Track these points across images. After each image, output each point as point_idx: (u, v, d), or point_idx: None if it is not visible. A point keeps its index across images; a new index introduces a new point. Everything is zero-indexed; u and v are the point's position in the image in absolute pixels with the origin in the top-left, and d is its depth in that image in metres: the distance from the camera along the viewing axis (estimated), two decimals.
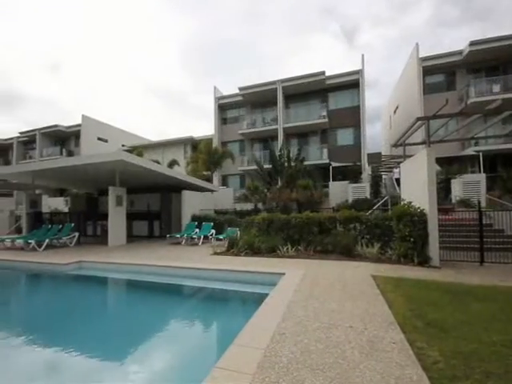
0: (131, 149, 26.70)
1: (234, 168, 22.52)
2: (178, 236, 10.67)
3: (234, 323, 4.20)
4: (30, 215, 12.84)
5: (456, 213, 8.57)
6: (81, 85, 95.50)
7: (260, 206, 15.33)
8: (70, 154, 29.04)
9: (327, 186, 17.48)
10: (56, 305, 5.44)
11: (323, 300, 3.81)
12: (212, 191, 15.61)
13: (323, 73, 20.38)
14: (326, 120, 20.33)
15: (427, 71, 18.09)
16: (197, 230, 11.00)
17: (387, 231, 6.91)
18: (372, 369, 2.16)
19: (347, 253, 6.93)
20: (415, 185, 6.63)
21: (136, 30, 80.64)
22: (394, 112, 24.08)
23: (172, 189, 13.15)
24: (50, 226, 11.74)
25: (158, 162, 16.39)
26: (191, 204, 12.78)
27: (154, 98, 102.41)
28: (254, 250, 7.71)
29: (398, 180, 10.59)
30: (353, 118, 20.35)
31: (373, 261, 6.35)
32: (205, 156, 20.02)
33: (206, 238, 10.73)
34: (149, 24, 77.72)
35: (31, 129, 30.74)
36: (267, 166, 17.98)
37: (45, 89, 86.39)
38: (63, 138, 31.40)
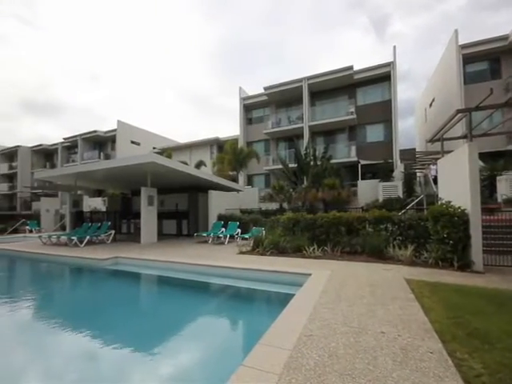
0: (161, 151, 28.00)
1: (259, 168, 22.60)
2: (205, 235, 10.95)
3: (259, 322, 4.21)
4: (72, 214, 14.01)
5: (502, 213, 7.77)
6: (116, 91, 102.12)
7: (285, 205, 15.21)
8: (107, 157, 31.17)
9: (355, 185, 16.85)
10: (94, 296, 5.89)
11: (352, 303, 3.67)
12: (238, 191, 15.79)
13: (351, 67, 19.67)
14: (354, 116, 19.60)
15: (468, 59, 16.66)
16: (223, 229, 11.21)
17: (422, 232, 6.47)
18: (406, 378, 2.03)
19: (377, 254, 6.61)
20: (455, 183, 6.12)
21: (165, 37, 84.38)
22: (430, 105, 22.48)
23: (199, 189, 13.54)
24: (89, 224, 12.72)
25: (185, 163, 16.98)
26: (217, 203, 13.05)
27: (183, 101, 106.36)
28: (279, 250, 7.67)
29: (434, 178, 9.87)
30: (383, 112, 19.39)
31: (406, 264, 5.98)
32: (230, 156, 20.33)
33: (231, 237, 10.89)
34: (177, 31, 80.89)
35: (73, 135, 33.49)
36: (292, 165, 17.80)
37: (84, 97, 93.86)
38: (101, 143, 33.80)
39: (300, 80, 21.42)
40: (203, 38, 79.55)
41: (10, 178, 37.50)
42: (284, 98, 23.01)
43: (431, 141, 7.95)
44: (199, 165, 22.51)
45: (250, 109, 25.25)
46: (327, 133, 21.67)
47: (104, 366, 3.18)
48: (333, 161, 17.54)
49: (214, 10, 63.88)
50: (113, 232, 11.75)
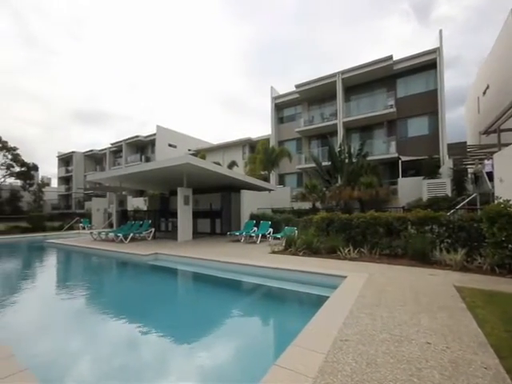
0: (196, 152, 29.18)
1: (291, 167, 22.35)
2: (238, 234, 11.13)
3: (291, 323, 4.15)
4: (118, 213, 15.26)
5: None
6: (152, 97, 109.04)
7: (318, 204, 14.81)
8: (148, 159, 33.38)
9: (395, 183, 15.78)
10: (136, 287, 6.34)
11: (392, 309, 3.42)
12: (269, 190, 15.79)
13: (390, 57, 18.45)
14: (394, 110, 18.35)
15: None
16: (255, 228, 11.29)
17: (475, 235, 5.81)
18: None
19: (422, 258, 6.09)
20: None
21: (196, 41, 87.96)
22: (484, 93, 20.10)
23: (232, 189, 13.81)
24: (133, 222, 13.74)
25: (218, 164, 17.47)
26: (249, 203, 13.19)
27: (216, 103, 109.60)
28: (312, 250, 7.48)
29: (489, 174, 8.75)
30: (428, 104, 17.85)
31: (455, 269, 5.42)
32: (262, 156, 20.41)
33: (263, 236, 10.92)
34: (208, 34, 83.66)
35: (118, 140, 36.52)
36: (326, 163, 17.26)
37: (125, 105, 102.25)
38: (142, 146, 36.33)
39: (333, 75, 20.67)
40: (234, 39, 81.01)
41: (67, 180, 42.19)
42: (316, 94, 22.42)
43: (486, 132, 7.10)
44: (231, 165, 22.99)
45: (282, 108, 25.07)
46: (363, 128, 20.61)
47: (141, 349, 3.42)
48: (370, 158, 16.61)
49: (243, 9, 64.64)
50: (153, 230, 12.55)
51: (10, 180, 31.41)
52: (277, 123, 24.95)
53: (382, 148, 19.25)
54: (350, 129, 20.79)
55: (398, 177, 16.07)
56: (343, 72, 20.27)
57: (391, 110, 18.39)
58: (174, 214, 12.12)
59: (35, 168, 31.63)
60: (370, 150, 17.99)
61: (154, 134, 32.89)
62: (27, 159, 30.83)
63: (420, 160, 15.78)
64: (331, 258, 6.89)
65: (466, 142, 19.84)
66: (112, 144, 37.50)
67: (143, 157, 34.11)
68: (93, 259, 10.02)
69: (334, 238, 7.52)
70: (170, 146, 33.32)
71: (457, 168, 13.81)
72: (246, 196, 13.12)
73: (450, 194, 12.52)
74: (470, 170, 14.79)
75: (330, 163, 16.19)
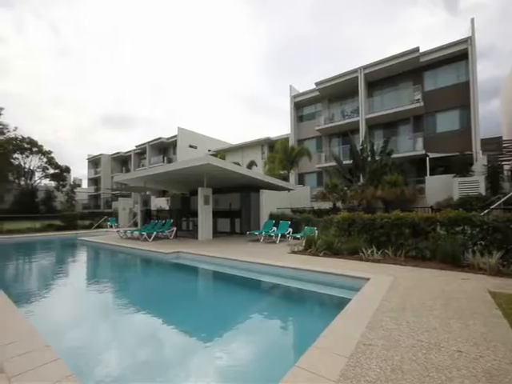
0: (215, 153, 29.63)
1: (310, 166, 22.01)
2: (257, 233, 11.15)
3: (311, 325, 4.08)
4: (142, 212, 15.87)
5: None
6: (174, 99, 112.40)
7: (339, 204, 14.46)
8: (169, 160, 34.44)
9: (422, 182, 15.00)
10: (159, 284, 6.58)
11: (420, 314, 3.26)
12: (289, 190, 15.66)
13: (417, 49, 17.55)
14: (421, 104, 17.44)
15: None
16: (274, 228, 11.25)
17: None
18: None
19: (452, 261, 5.74)
20: None
21: (216, 41, 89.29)
22: None
23: (251, 188, 13.86)
24: (156, 221, 14.24)
25: (237, 164, 17.61)
26: (269, 203, 13.17)
27: (235, 103, 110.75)
28: (333, 251, 7.31)
29: None
30: (459, 97, 16.79)
31: (490, 273, 5.04)
32: (281, 155, 20.29)
33: (283, 236, 10.85)
34: (228, 35, 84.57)
35: (142, 142, 38.01)
36: (347, 161, 16.80)
37: (149, 108, 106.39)
38: (165, 148, 37.55)
39: (355, 71, 20.05)
40: (254, 39, 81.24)
41: (96, 181, 44.66)
42: (337, 91, 21.88)
43: None
44: (250, 165, 23.07)
45: (301, 106, 24.76)
46: (387, 125, 19.80)
47: (162, 342, 3.56)
48: (394, 155, 15.90)
49: (262, 8, 64.59)
50: (175, 229, 12.92)
51: (45, 181, 33.86)
52: (296, 122, 24.68)
53: (408, 145, 18.37)
54: (372, 125, 20.06)
55: (426, 175, 15.26)
56: (365, 67, 19.59)
57: (418, 104, 17.49)
58: (195, 214, 12.38)
59: (67, 170, 33.84)
60: (395, 148, 17.23)
61: (176, 136, 33.85)
62: (60, 162, 33.04)
63: (450, 157, 14.86)
64: (353, 259, 6.70)
65: (501, 137, 18.41)
66: (136, 146, 39.13)
67: (165, 158, 35.25)
68: (120, 256, 10.51)
69: (356, 239, 7.30)
70: (190, 146, 34.13)
71: (491, 165, 12.85)
72: (266, 196, 13.11)
73: (483, 193, 11.68)
74: (506, 167, 13.73)
75: (351, 161, 15.74)
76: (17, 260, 10.31)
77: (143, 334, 3.87)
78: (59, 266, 9.12)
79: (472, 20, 16.28)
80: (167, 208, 21.07)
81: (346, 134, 20.60)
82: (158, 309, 4.81)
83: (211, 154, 27.80)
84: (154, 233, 11.98)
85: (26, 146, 30.15)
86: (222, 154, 26.59)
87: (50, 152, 31.85)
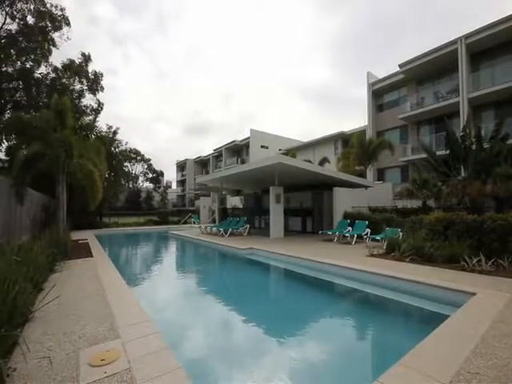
0: (286, 152, 29.64)
1: (392, 160, 19.54)
2: (330, 233, 10.57)
3: (394, 339, 3.57)
4: (219, 210, 17.27)
5: None
6: (245, 102, 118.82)
7: (431, 202, 12.31)
8: (243, 161, 36.38)
9: None
10: (235, 277, 7.08)
11: None
12: (366, 187, 14.30)
13: None
14: None
15: None
16: (349, 228, 10.44)
17: None
18: None
19: None
20: None
21: (284, 38, 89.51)
22: None
23: (323, 186, 13.27)
24: (231, 218, 15.25)
25: (309, 162, 17.12)
26: (343, 201, 12.32)
27: (306, 100, 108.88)
28: (422, 257, 6.24)
29: None
30: None
31: None
32: (357, 150, 18.69)
33: (359, 237, 9.96)
34: (295, 31, 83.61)
35: (219, 146, 41.43)
36: (441, 152, 14.13)
37: (223, 113, 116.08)
38: (238, 150, 39.93)
39: (453, 42, 16.61)
40: (322, 31, 77.77)
41: (182, 183, 51.24)
42: (428, 70, 18.64)
43: None
44: (323, 162, 22.12)
45: (381, 94, 22.21)
46: (500, 104, 15.71)
47: (234, 331, 3.73)
48: (511, 141, 12.51)
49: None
50: (248, 226, 13.53)
51: (146, 184, 40.92)
52: (375, 112, 22.32)
53: None
54: (478, 106, 16.29)
55: None
56: (467, 36, 16.04)
57: None
58: (267, 212, 12.67)
59: (162, 174, 40.01)
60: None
61: (248, 138, 35.51)
62: (156, 167, 39.33)
63: None
64: (450, 268, 5.55)
65: None
66: (214, 150, 42.94)
67: (239, 159, 37.42)
68: (201, 249, 11.75)
69: (456, 244, 6.04)
70: (262, 147, 35.20)
71: None
72: (339, 193, 12.31)
73: None
74: None
75: (447, 152, 13.13)
76: (127, 247, 13.12)
77: (221, 319, 4.25)
78: (157, 254, 11.16)
79: None
80: (241, 206, 22.29)
81: (439, 119, 17.38)
82: (233, 298, 5.25)
83: (282, 153, 27.95)
84: (230, 229, 12.83)
85: (132, 155, 37.11)
86: (292, 152, 26.37)
87: (149, 160, 38.29)
